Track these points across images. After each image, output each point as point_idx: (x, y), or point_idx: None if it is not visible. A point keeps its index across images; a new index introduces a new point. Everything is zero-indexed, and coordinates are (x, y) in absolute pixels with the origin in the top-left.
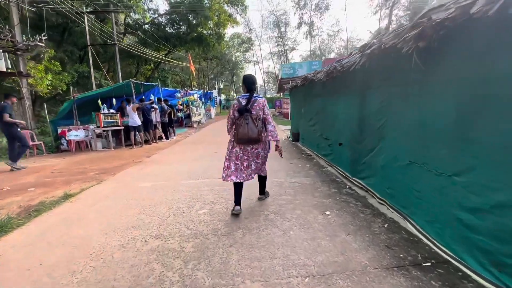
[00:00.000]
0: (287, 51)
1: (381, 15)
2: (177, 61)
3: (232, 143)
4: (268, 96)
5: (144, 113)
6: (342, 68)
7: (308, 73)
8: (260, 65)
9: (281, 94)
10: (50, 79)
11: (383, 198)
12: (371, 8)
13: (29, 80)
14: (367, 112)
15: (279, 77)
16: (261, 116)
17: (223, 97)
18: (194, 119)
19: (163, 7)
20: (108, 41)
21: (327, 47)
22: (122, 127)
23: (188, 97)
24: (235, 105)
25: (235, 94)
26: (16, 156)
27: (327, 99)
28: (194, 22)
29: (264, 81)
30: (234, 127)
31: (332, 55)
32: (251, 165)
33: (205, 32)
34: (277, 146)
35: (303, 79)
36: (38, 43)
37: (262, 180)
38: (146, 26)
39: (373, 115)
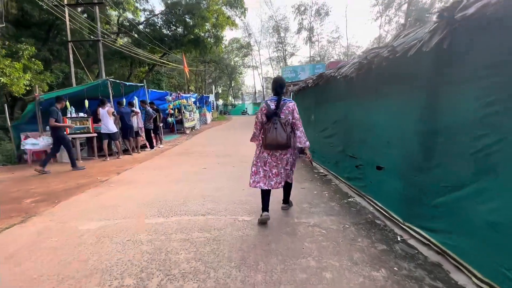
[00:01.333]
0: (287, 57)
1: (382, 22)
2: (174, 64)
3: (260, 148)
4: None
5: (123, 118)
6: (393, 53)
7: (324, 72)
8: (259, 70)
9: None
10: (29, 78)
11: (494, 284)
12: (371, 15)
13: (2, 79)
14: (446, 123)
15: None
16: (290, 120)
17: (220, 102)
18: (186, 124)
19: (159, 8)
20: (94, 38)
21: (326, 53)
22: (95, 135)
23: (180, 100)
24: (263, 109)
25: (233, 99)
26: (73, 159)
27: (355, 103)
28: (190, 23)
29: (263, 87)
30: (262, 131)
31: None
32: (280, 172)
33: (202, 34)
34: (304, 153)
35: (317, 77)
36: None
37: (288, 187)
38: (141, 26)
39: (463, 128)
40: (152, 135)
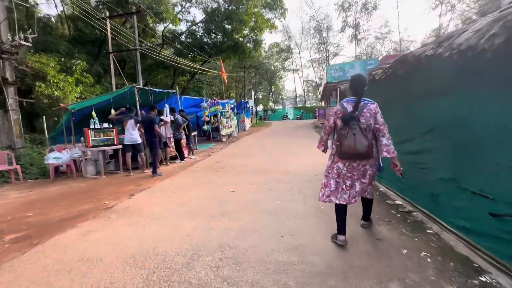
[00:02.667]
0: (330, 57)
1: (442, 11)
2: (214, 71)
3: (332, 157)
4: (307, 105)
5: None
6: None
7: (411, 52)
8: (300, 74)
9: (324, 102)
10: (79, 91)
11: None
12: (428, 3)
13: (56, 93)
14: None
15: (324, 82)
16: (372, 125)
17: (260, 107)
18: (223, 132)
19: (200, 17)
20: (132, 47)
21: (374, 50)
22: (119, 146)
23: (216, 107)
24: (338, 112)
25: (273, 104)
26: (154, 165)
27: (489, 98)
28: (229, 29)
29: (303, 90)
30: (336, 138)
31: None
32: (354, 185)
33: (240, 39)
34: (395, 164)
35: (396, 63)
36: (23, 42)
37: (368, 203)
38: (183, 36)
39: None
40: (184, 145)
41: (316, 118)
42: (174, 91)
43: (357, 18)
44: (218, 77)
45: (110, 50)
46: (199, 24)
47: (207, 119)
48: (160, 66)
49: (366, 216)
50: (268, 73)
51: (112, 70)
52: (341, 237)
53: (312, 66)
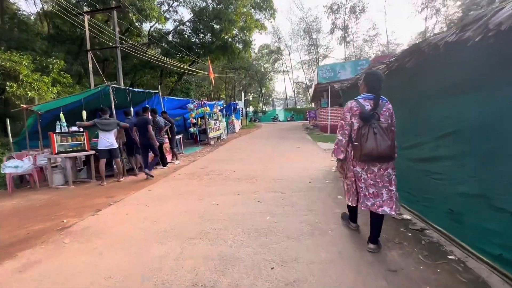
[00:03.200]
0: (319, 59)
1: (427, 14)
2: (202, 72)
3: (351, 161)
4: (298, 107)
5: (128, 131)
6: None
7: (426, 40)
8: (290, 75)
9: (315, 103)
10: (56, 92)
11: None
12: (415, 7)
13: (30, 93)
14: None
15: (315, 83)
16: (390, 125)
17: (251, 109)
18: (211, 135)
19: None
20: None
21: (363, 52)
22: (91, 152)
23: (203, 108)
24: (355, 109)
25: (263, 106)
26: (150, 165)
27: None
28: (218, 28)
29: (294, 92)
30: (354, 138)
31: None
32: (381, 193)
33: (229, 39)
34: None
35: (406, 53)
36: None
37: (379, 220)
38: (170, 36)
39: None
40: (167, 149)
41: (306, 120)
42: (156, 91)
43: (346, 20)
44: (207, 78)
45: (88, 48)
46: (187, 24)
47: (194, 121)
48: (146, 66)
49: (375, 238)
50: (258, 75)
51: (91, 69)
52: (353, 224)
53: (302, 67)
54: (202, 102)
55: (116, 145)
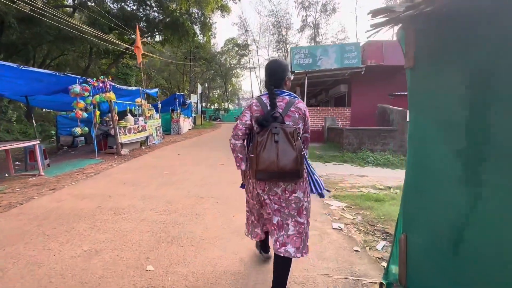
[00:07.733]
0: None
1: None
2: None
3: (248, 178)
4: None
5: None
6: None
7: None
8: (257, 73)
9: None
10: None
11: None
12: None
13: None
14: None
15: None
16: (301, 130)
17: (215, 105)
18: (123, 139)
19: None
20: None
21: None
22: None
23: (103, 95)
24: (255, 109)
25: (227, 104)
26: None
27: None
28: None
29: (260, 91)
30: (251, 148)
31: None
32: (286, 224)
33: (184, 17)
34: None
35: None
36: None
37: (285, 264)
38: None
39: None
40: None
41: None
42: None
43: (316, 18)
44: (165, 69)
45: None
46: None
47: (82, 114)
48: (66, 40)
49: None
50: (222, 68)
51: None
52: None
53: None
54: (104, 84)
55: None
